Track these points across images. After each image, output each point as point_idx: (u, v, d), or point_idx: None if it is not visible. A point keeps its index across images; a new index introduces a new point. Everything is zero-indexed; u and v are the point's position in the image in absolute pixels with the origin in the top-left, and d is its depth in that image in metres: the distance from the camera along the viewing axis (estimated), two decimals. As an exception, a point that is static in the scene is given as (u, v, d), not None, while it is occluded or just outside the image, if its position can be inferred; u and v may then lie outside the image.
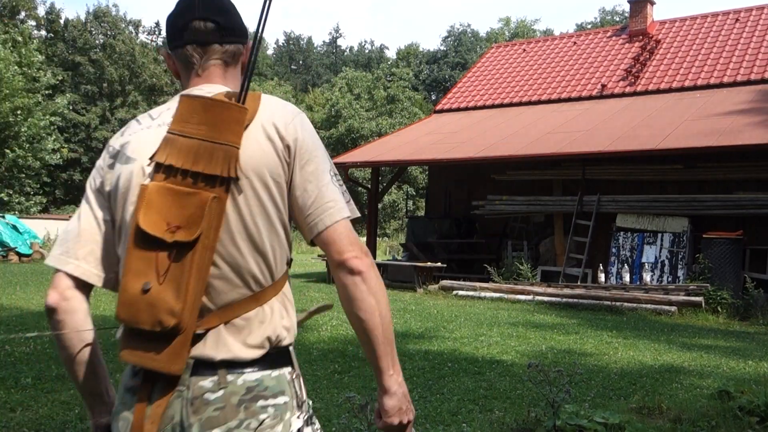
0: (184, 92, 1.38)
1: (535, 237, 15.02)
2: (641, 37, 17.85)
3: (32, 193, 28.92)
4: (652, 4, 18.22)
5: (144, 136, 1.34)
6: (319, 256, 16.39)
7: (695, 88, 15.11)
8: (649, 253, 12.38)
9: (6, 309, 9.02)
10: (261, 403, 1.26)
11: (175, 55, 1.43)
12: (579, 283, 12.56)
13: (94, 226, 1.36)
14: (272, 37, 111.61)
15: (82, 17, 50.02)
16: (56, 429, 4.07)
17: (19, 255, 18.82)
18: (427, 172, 28.79)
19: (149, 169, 1.28)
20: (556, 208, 13.95)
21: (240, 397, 1.24)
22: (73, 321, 1.33)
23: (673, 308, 10.54)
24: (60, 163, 32.08)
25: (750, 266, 11.93)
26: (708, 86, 14.95)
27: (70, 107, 40.65)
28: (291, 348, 1.37)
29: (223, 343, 1.26)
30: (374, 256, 16.14)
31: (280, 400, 1.29)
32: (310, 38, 73.25)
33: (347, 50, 74.75)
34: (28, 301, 9.83)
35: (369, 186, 17.35)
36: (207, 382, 1.24)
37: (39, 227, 25.74)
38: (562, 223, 14.06)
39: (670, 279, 12.02)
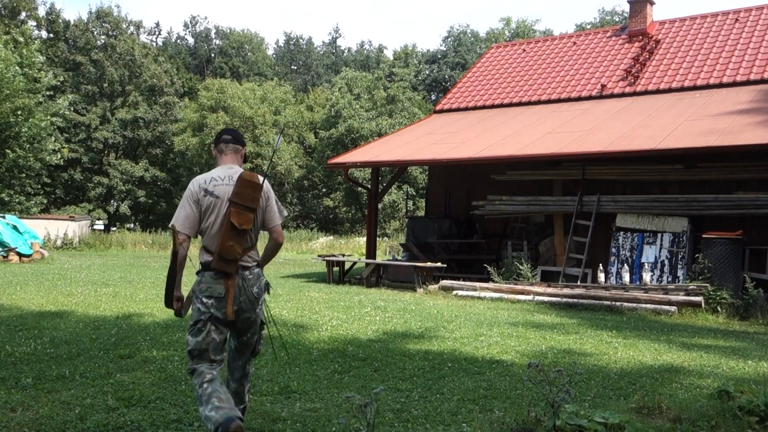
0: (242, 172, 3.74)
1: (535, 237, 15.03)
2: (641, 37, 17.86)
3: (32, 193, 28.93)
4: (652, 4, 18.23)
5: (222, 188, 3.71)
6: (319, 255, 16.38)
7: (695, 88, 15.11)
8: (649, 253, 12.39)
9: (6, 309, 9.03)
10: (262, 278, 3.82)
11: (216, 148, 3.94)
12: (579, 283, 12.57)
13: (191, 215, 3.69)
14: (272, 38, 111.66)
15: (84, 17, 50.03)
16: (56, 429, 4.08)
17: (20, 255, 18.82)
18: (427, 172, 28.79)
19: (227, 203, 3.67)
20: (556, 208, 13.96)
21: (256, 275, 3.77)
22: (185, 250, 3.70)
23: (673, 308, 10.54)
24: (60, 164, 32.07)
25: (750, 266, 11.94)
26: (708, 86, 14.96)
27: (71, 108, 40.63)
28: (258, 264, 3.83)
29: (246, 260, 3.71)
30: (374, 257, 16.17)
31: (263, 278, 3.85)
32: (310, 38, 73.29)
33: (347, 50, 74.79)
34: (28, 301, 9.84)
35: (369, 186, 17.35)
36: (245, 272, 3.71)
37: (39, 227, 25.76)
38: (562, 223, 14.07)
39: (669, 279, 12.03)
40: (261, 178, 3.64)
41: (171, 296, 3.72)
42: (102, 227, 43.90)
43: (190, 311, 3.79)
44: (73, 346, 6.50)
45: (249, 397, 4.01)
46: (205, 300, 3.63)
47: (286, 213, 3.88)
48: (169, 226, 3.75)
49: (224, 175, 3.74)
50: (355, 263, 16.18)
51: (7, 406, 4.52)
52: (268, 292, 3.91)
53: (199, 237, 3.80)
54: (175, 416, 4.35)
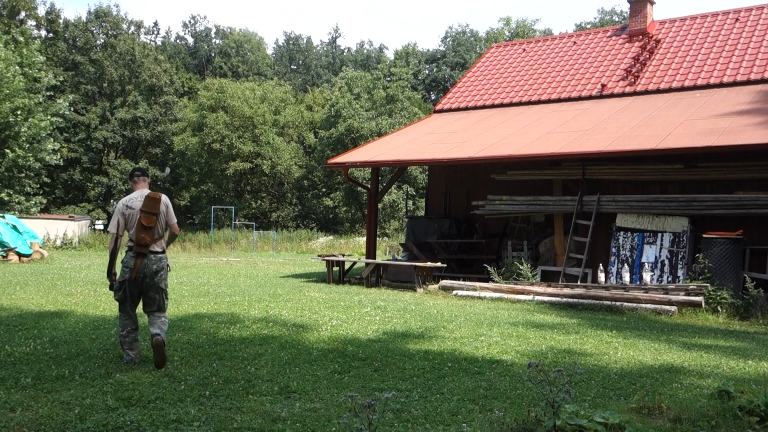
0: (148, 192, 6.02)
1: (535, 237, 15.03)
2: (641, 36, 17.85)
3: (32, 193, 28.93)
4: (652, 3, 18.23)
5: (137, 203, 5.93)
6: (318, 255, 16.38)
7: (695, 87, 15.11)
8: (649, 253, 12.39)
9: (6, 309, 9.02)
10: (163, 260, 5.97)
11: (132, 180, 6.22)
12: (579, 283, 12.56)
13: (120, 223, 5.92)
14: (272, 37, 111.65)
15: (83, 17, 50.03)
16: (56, 429, 4.07)
17: (19, 255, 18.81)
18: (427, 172, 28.79)
19: (139, 212, 5.90)
20: (556, 208, 13.95)
21: (157, 258, 5.92)
22: (117, 244, 5.95)
23: (673, 308, 10.54)
24: (60, 164, 32.07)
25: (750, 266, 11.93)
26: (708, 86, 14.96)
27: (71, 109, 40.63)
28: (165, 251, 6.06)
29: (153, 247, 5.91)
30: (374, 256, 16.17)
31: (165, 261, 6.00)
32: (309, 38, 73.27)
33: (346, 50, 74.77)
34: (28, 301, 9.84)
35: (369, 186, 17.35)
36: (151, 255, 5.88)
37: (39, 227, 25.76)
38: (562, 223, 14.06)
39: (670, 279, 12.03)
40: (160, 195, 6.02)
41: (110, 273, 5.99)
42: (102, 227, 43.91)
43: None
44: (72, 346, 6.50)
45: (164, 330, 5.83)
46: (124, 268, 5.94)
47: (175, 220, 6.21)
48: (107, 231, 7.09)
49: (138, 196, 6.03)
50: (355, 263, 16.18)
51: (6, 406, 4.51)
52: (169, 269, 6.07)
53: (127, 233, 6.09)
54: (175, 416, 4.35)
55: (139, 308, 6.04)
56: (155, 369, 5.62)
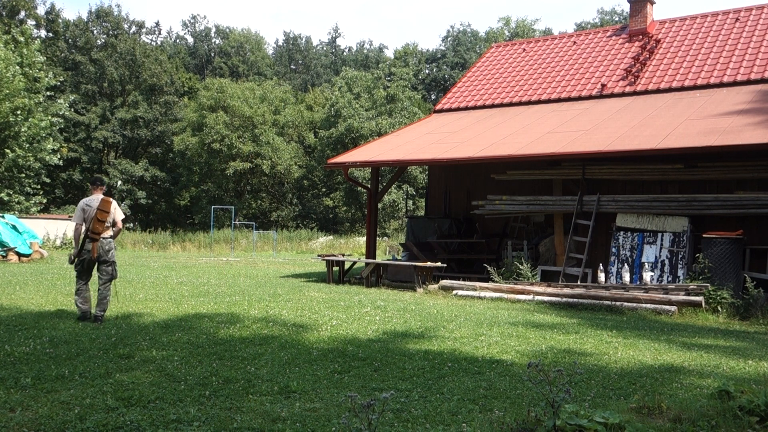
0: (102, 197, 8.31)
1: (535, 237, 15.03)
2: (641, 36, 17.85)
3: (32, 193, 28.94)
4: (652, 3, 18.22)
5: (94, 204, 8.23)
6: (318, 255, 16.39)
7: (695, 87, 15.11)
8: (649, 253, 12.39)
9: (6, 309, 9.02)
10: (111, 243, 8.39)
11: (92, 187, 8.60)
12: (579, 283, 12.56)
13: (81, 216, 8.25)
14: (272, 37, 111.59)
15: (84, 17, 50.00)
16: (55, 429, 4.07)
17: (19, 255, 18.80)
18: (426, 172, 28.77)
19: (96, 210, 8.17)
20: (556, 208, 13.95)
21: (107, 242, 8.31)
22: (80, 231, 8.34)
23: (673, 308, 10.54)
24: (60, 164, 32.07)
25: (750, 266, 11.93)
26: (708, 86, 14.95)
27: (71, 109, 40.60)
28: (113, 237, 8.44)
29: (104, 234, 8.26)
30: (374, 256, 16.16)
31: (113, 244, 8.46)
32: (309, 38, 73.25)
33: (346, 50, 74.76)
34: (27, 301, 9.84)
35: (369, 186, 17.34)
36: (102, 240, 8.24)
37: (39, 227, 25.75)
38: (562, 223, 14.06)
39: (670, 279, 12.02)
40: (111, 200, 8.32)
41: (77, 253, 8.22)
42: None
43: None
44: (72, 346, 6.49)
45: (107, 306, 8.32)
46: (83, 250, 8.21)
47: (123, 216, 8.63)
48: (72, 221, 8.49)
49: (95, 198, 8.27)
50: (354, 263, 16.18)
51: (6, 406, 4.51)
52: (115, 249, 8.36)
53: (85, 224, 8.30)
54: (175, 416, 4.34)
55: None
56: (155, 369, 5.62)
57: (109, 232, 8.29)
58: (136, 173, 44.12)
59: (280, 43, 74.02)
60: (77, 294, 8.26)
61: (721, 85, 14.82)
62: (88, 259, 8.20)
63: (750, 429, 4.00)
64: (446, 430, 4.19)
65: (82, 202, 8.24)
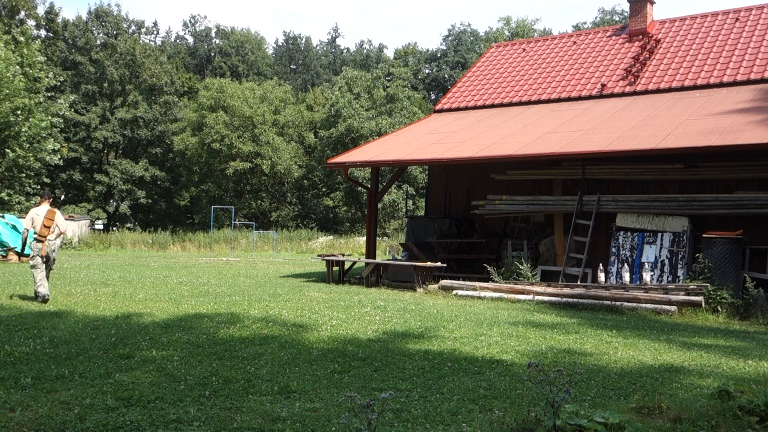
0: (48, 208, 10.51)
1: (535, 237, 15.02)
2: (641, 36, 17.85)
3: (32, 193, 28.93)
4: (652, 3, 18.22)
5: (42, 213, 10.34)
6: (318, 255, 16.39)
7: (695, 87, 15.10)
8: (649, 253, 12.39)
9: (6, 309, 9.03)
10: (57, 242, 10.54)
11: (42, 198, 10.86)
12: (579, 283, 12.56)
13: (30, 223, 10.41)
14: (272, 37, 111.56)
15: (83, 17, 49.99)
16: (55, 429, 4.07)
17: (19, 255, 18.80)
18: (426, 172, 28.77)
19: (43, 218, 10.29)
20: (556, 208, 13.95)
21: (53, 242, 10.40)
22: (27, 234, 11.00)
23: (673, 308, 10.54)
24: (60, 164, 32.06)
25: (750, 266, 11.93)
26: (708, 86, 14.95)
27: (71, 109, 40.60)
28: (60, 239, 10.67)
29: (49, 237, 10.33)
30: (374, 256, 16.16)
31: (59, 242, 10.66)
32: (309, 38, 73.25)
33: (346, 50, 74.75)
34: (27, 301, 9.84)
35: (369, 186, 17.35)
36: (48, 241, 10.30)
37: (39, 227, 25.68)
38: (562, 223, 14.06)
39: (670, 279, 12.02)
40: (56, 210, 10.35)
41: (22, 249, 11.55)
42: (101, 227, 43.90)
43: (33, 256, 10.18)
44: (72, 346, 6.49)
45: (49, 285, 10.23)
46: (34, 248, 10.11)
47: (65, 225, 10.63)
48: (24, 227, 10.84)
49: (43, 209, 10.25)
50: (354, 263, 16.18)
51: (6, 406, 4.51)
52: (60, 248, 9.53)
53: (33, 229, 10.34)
54: (175, 416, 4.34)
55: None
56: (155, 369, 5.62)
57: (53, 236, 10.26)
58: (136, 173, 44.11)
59: (280, 43, 74.06)
60: (37, 282, 9.99)
61: (721, 84, 14.82)
62: (40, 255, 10.14)
63: (750, 429, 4.00)
64: (446, 430, 4.19)
65: (32, 212, 10.34)
